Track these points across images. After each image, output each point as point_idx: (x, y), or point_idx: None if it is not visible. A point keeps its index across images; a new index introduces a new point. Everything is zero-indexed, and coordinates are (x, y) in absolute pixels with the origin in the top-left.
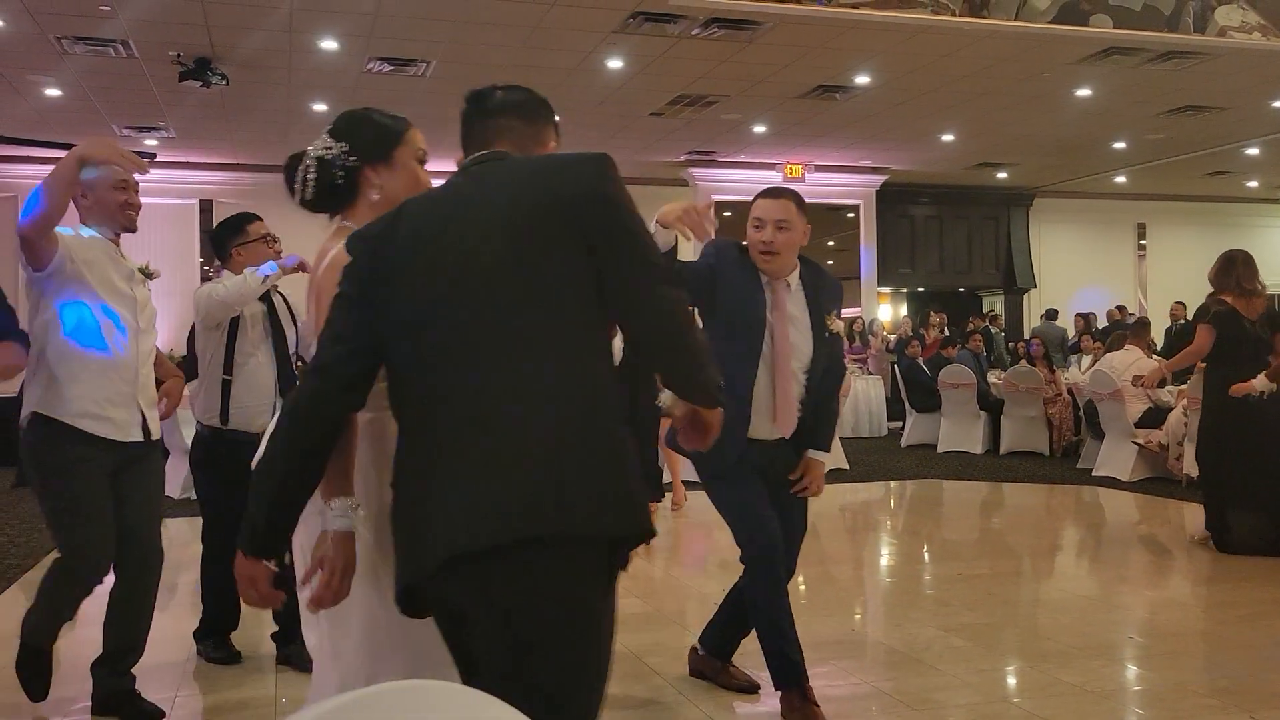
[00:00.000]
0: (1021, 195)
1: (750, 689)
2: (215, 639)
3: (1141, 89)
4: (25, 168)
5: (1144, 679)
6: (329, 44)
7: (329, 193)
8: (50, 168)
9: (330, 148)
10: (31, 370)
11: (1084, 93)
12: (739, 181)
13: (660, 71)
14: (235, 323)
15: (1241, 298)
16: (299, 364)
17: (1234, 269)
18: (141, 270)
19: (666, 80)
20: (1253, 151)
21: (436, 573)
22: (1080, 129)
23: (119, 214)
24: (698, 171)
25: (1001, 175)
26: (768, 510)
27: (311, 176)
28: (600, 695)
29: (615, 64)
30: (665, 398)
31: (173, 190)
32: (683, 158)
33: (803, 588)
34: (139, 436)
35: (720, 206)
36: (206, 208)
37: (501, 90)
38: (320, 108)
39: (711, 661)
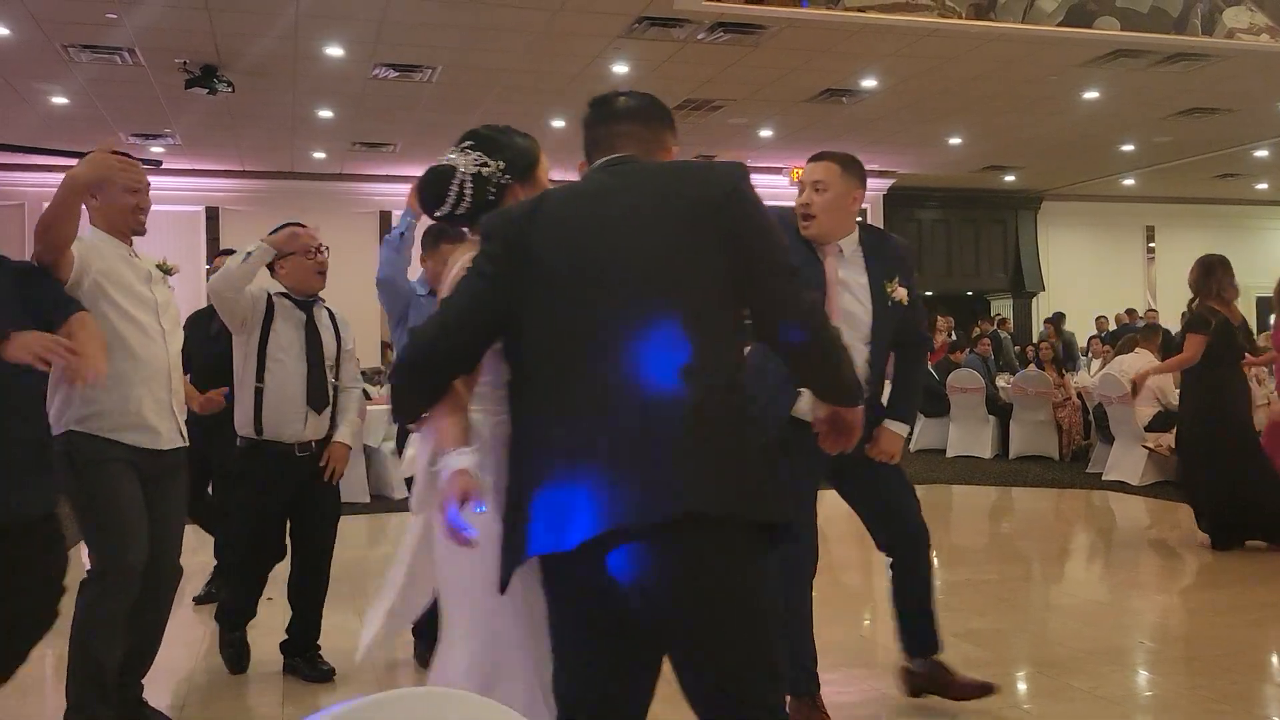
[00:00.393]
0: (1029, 198)
1: (983, 691)
2: (234, 645)
3: (1149, 91)
4: (33, 176)
5: (1155, 684)
6: (334, 50)
7: (478, 209)
8: (57, 176)
9: (487, 164)
10: (55, 385)
11: (1091, 95)
12: None
13: (666, 76)
14: (266, 329)
15: (1223, 305)
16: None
17: (1215, 276)
18: (160, 268)
19: (672, 85)
20: (1262, 153)
21: (589, 546)
22: (1088, 132)
23: (130, 217)
24: None
25: (1009, 178)
26: (810, 511)
27: (469, 191)
28: (777, 663)
29: (621, 69)
30: (804, 402)
31: (179, 198)
32: None
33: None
34: (177, 443)
35: None
36: (213, 215)
37: (623, 97)
38: (326, 114)
39: (926, 666)
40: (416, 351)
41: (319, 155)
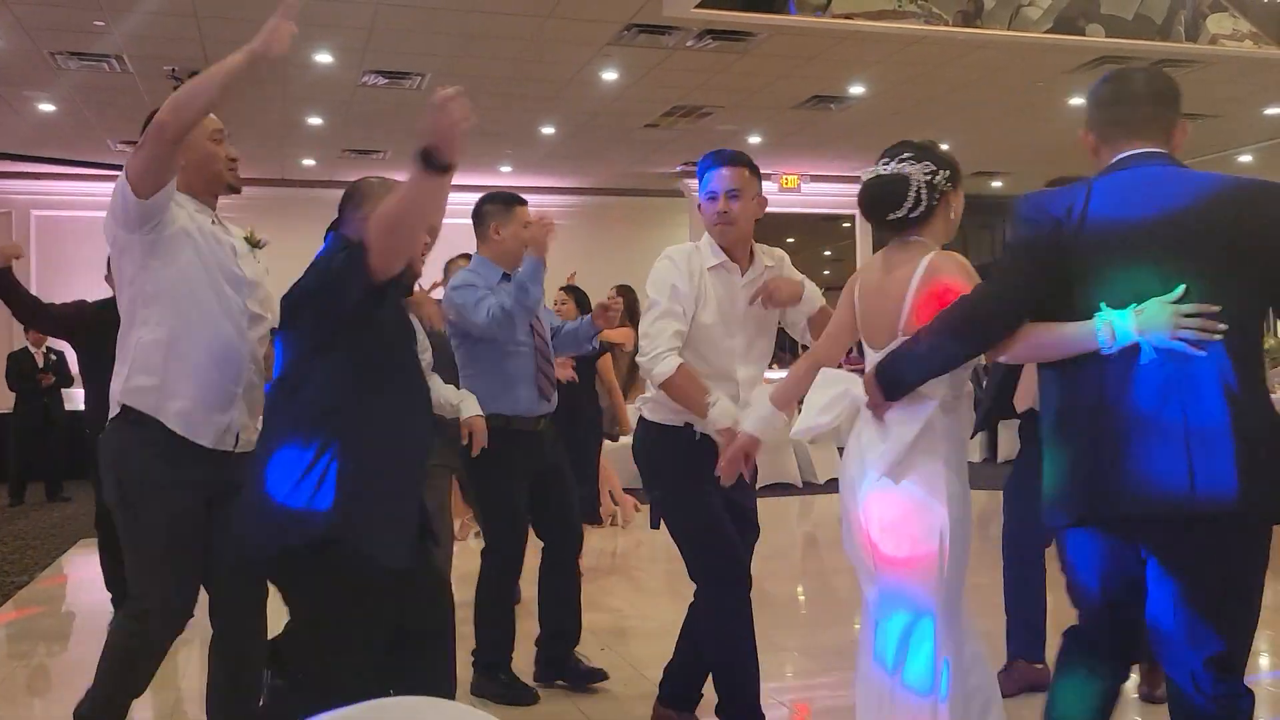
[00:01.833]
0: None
1: None
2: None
3: None
4: (18, 184)
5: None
6: (324, 57)
7: (924, 214)
8: (46, 184)
9: (937, 173)
10: (120, 355)
11: (1078, 101)
12: None
13: (655, 83)
14: None
15: None
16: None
17: None
18: (248, 240)
19: (661, 91)
20: (1245, 159)
21: (1123, 521)
22: (1074, 138)
23: (220, 172)
24: (693, 182)
25: (996, 184)
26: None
27: (924, 197)
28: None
29: (610, 76)
30: None
31: None
32: (678, 169)
33: (802, 598)
34: (230, 445)
35: None
36: None
37: (1141, 76)
38: (315, 121)
39: None
40: (974, 323)
41: (308, 162)
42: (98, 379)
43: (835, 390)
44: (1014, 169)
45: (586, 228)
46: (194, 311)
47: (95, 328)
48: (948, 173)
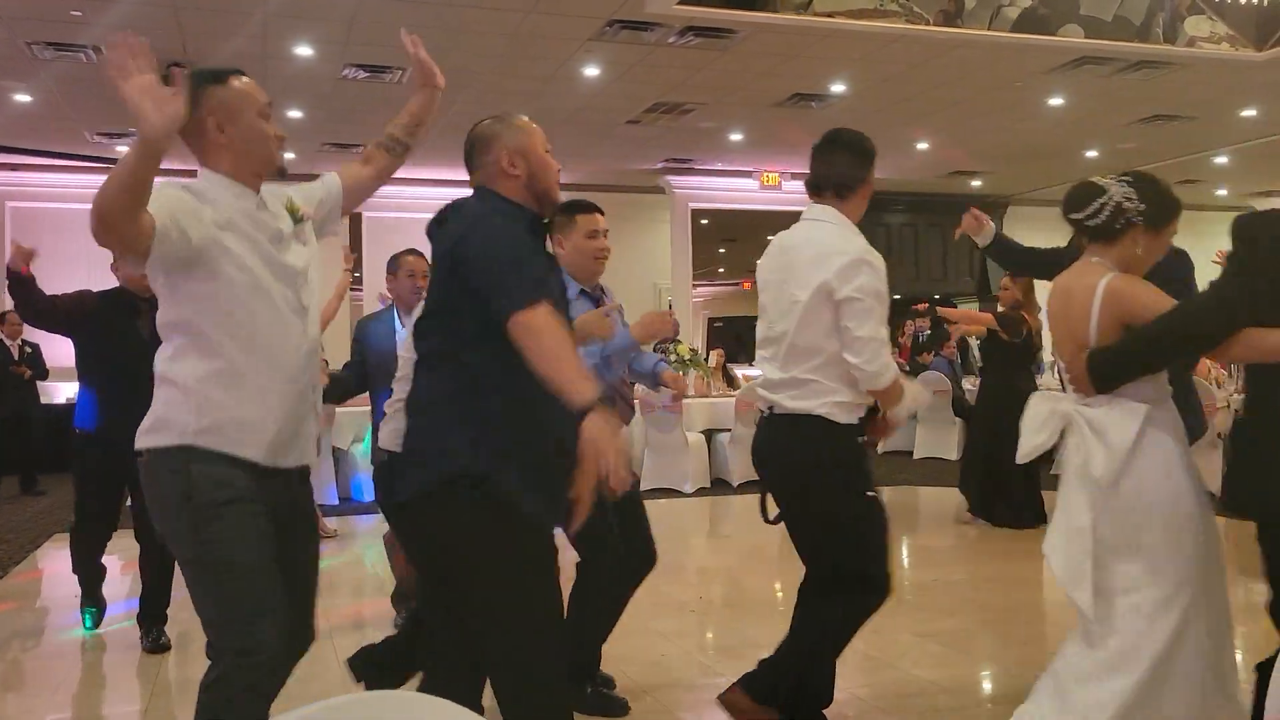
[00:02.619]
0: (996, 203)
1: None
2: None
3: (1112, 98)
4: None
5: None
6: (304, 50)
7: (1102, 229)
8: (20, 175)
9: (1131, 200)
10: (172, 386)
11: (1056, 102)
12: (716, 189)
13: (637, 79)
14: None
15: (1033, 317)
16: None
17: (1034, 292)
18: (289, 211)
19: (643, 88)
20: (1221, 160)
21: None
22: (1053, 138)
23: (274, 153)
24: (675, 179)
25: (976, 183)
26: None
27: (1107, 212)
28: None
29: (592, 72)
30: None
31: None
32: (660, 165)
33: (780, 594)
34: (299, 460)
35: (697, 214)
36: None
37: None
38: (295, 114)
39: None
40: (1202, 328)
41: (288, 156)
42: (93, 376)
43: (1045, 410)
44: (993, 168)
45: None
46: (250, 324)
47: (98, 318)
48: (1144, 207)
